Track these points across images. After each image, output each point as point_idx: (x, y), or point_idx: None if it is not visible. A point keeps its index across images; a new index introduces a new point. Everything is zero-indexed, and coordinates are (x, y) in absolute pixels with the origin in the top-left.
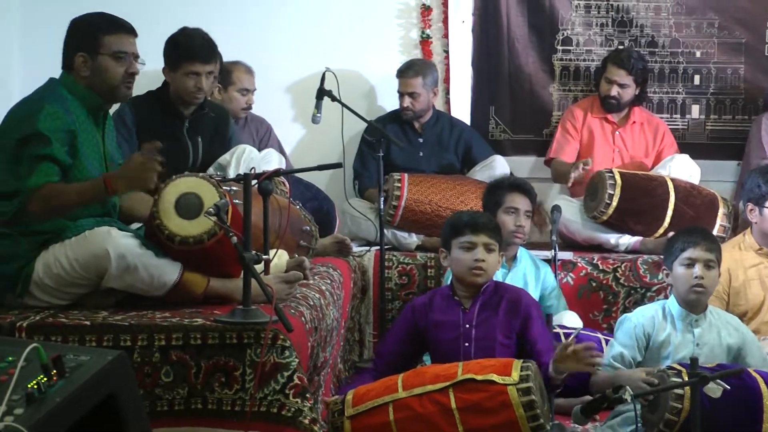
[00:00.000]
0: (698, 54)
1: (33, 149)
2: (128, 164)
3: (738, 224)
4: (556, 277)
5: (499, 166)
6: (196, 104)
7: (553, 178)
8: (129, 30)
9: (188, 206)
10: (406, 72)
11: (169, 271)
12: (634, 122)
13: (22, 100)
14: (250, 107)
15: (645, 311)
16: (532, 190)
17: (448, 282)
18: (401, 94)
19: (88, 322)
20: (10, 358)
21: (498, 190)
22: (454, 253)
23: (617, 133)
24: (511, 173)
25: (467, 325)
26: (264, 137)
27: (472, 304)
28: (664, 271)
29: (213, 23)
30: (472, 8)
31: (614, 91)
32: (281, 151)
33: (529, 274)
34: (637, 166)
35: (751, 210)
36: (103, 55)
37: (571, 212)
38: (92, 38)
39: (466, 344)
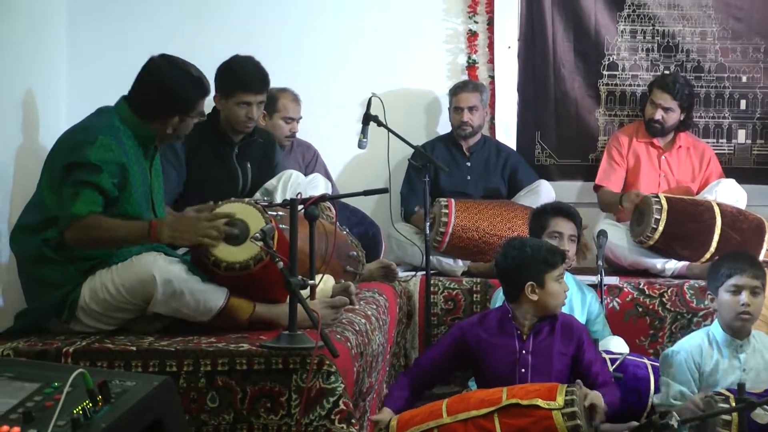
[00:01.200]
0: (744, 79)
1: (80, 175)
2: (180, 217)
3: None
4: (602, 302)
5: (544, 191)
6: (246, 132)
7: (600, 207)
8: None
9: (235, 233)
10: (465, 87)
11: (215, 297)
12: (680, 147)
13: (74, 127)
14: (293, 135)
15: (691, 341)
16: (576, 215)
17: (497, 304)
18: (459, 110)
19: (134, 348)
20: (56, 384)
21: (542, 215)
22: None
23: (663, 157)
24: (557, 198)
25: (524, 351)
26: (311, 162)
27: (531, 329)
28: (709, 296)
29: (261, 49)
30: (517, 34)
31: (658, 114)
32: (327, 176)
33: (575, 299)
34: (683, 191)
35: None
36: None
37: (617, 237)
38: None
39: (522, 370)
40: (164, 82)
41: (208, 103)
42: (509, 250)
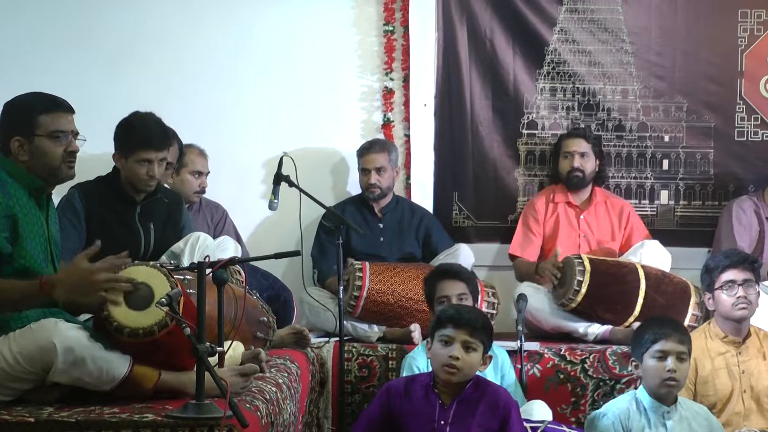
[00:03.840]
0: (667, 138)
1: None
2: (71, 269)
3: (710, 313)
4: (522, 368)
5: (463, 254)
6: (148, 192)
7: (516, 276)
8: (65, 108)
9: (138, 297)
10: (371, 147)
11: (118, 365)
12: (597, 202)
13: None
14: (203, 190)
15: (618, 404)
16: (462, 272)
17: (403, 372)
18: (366, 171)
19: (32, 419)
20: None
21: (429, 282)
22: (434, 345)
23: (582, 217)
24: (475, 262)
25: (442, 422)
26: (219, 223)
27: (452, 400)
28: (633, 363)
29: (168, 106)
30: (434, 91)
31: (577, 161)
32: (237, 238)
33: None
34: (604, 252)
35: (709, 299)
36: (40, 136)
37: (538, 300)
38: (27, 120)
39: None
40: (6, 104)
41: (109, 162)
42: None
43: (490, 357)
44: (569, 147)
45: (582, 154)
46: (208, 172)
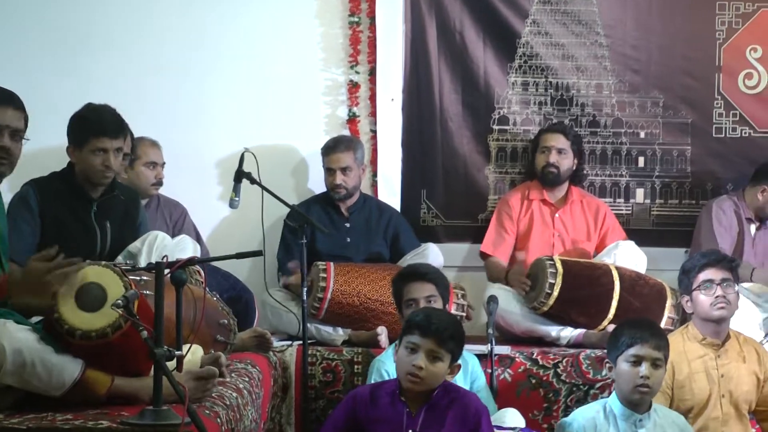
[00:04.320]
0: (642, 134)
1: None
2: (25, 270)
3: (687, 316)
4: (492, 372)
5: (432, 254)
6: (105, 184)
7: (487, 277)
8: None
9: (90, 298)
10: (336, 146)
11: (69, 369)
12: (572, 201)
13: None
14: (160, 182)
15: (585, 412)
16: (429, 273)
17: (373, 377)
18: (331, 171)
19: None
20: None
21: (396, 284)
22: (400, 350)
23: (557, 215)
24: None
25: (410, 430)
26: (178, 222)
27: (420, 407)
28: (607, 365)
29: (122, 100)
30: (402, 85)
31: (553, 157)
32: (197, 238)
33: None
34: (579, 253)
35: (687, 301)
36: None
37: (509, 303)
38: None
39: None
40: None
41: (63, 158)
42: None
43: (459, 366)
44: (547, 142)
45: (559, 150)
46: (164, 163)
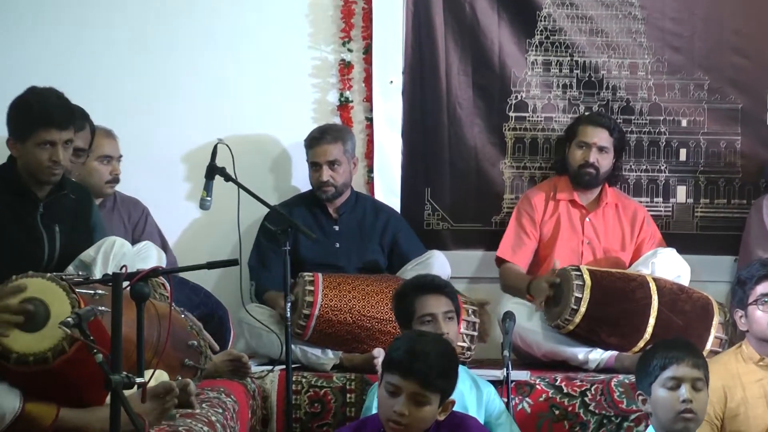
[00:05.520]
0: (684, 123)
1: None
2: None
3: (737, 335)
4: (509, 401)
5: (438, 264)
6: (53, 182)
7: (501, 286)
8: None
9: (30, 315)
10: (322, 138)
11: (6, 401)
12: (606, 204)
13: None
14: (116, 179)
15: None
16: (445, 286)
17: (374, 406)
18: (317, 166)
19: None
20: None
21: (403, 298)
22: (381, 388)
23: (587, 219)
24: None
25: None
26: (139, 224)
27: None
28: (640, 397)
29: (70, 84)
30: (402, 65)
31: (593, 155)
32: (162, 244)
33: (468, 396)
34: (611, 262)
35: (741, 317)
36: None
37: (528, 320)
38: None
39: None
40: None
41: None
42: None
43: (452, 402)
44: (587, 136)
45: (601, 149)
46: (120, 156)
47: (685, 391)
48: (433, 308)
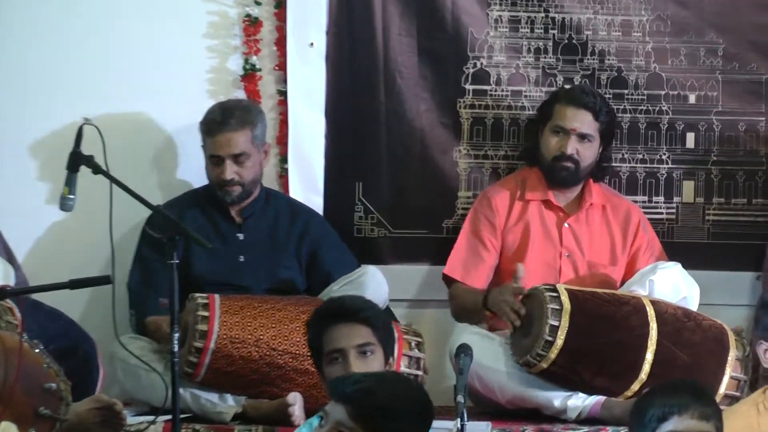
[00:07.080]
0: (692, 99)
1: None
2: None
3: (759, 374)
4: None
5: (372, 283)
6: None
7: (452, 311)
8: None
9: None
10: (225, 123)
11: None
12: (591, 204)
13: None
14: None
15: None
16: (364, 310)
17: None
18: (218, 160)
19: None
20: None
21: (312, 328)
22: None
23: (566, 225)
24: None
25: None
26: None
27: None
28: None
29: None
30: (326, 23)
31: (571, 146)
32: (10, 258)
33: None
34: (598, 281)
35: (766, 350)
36: None
37: (489, 355)
38: None
39: None
40: None
41: None
42: None
43: None
44: (566, 120)
45: (583, 137)
46: None
47: None
48: (340, 342)
